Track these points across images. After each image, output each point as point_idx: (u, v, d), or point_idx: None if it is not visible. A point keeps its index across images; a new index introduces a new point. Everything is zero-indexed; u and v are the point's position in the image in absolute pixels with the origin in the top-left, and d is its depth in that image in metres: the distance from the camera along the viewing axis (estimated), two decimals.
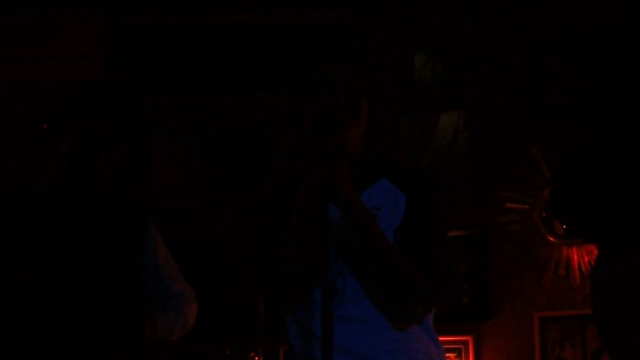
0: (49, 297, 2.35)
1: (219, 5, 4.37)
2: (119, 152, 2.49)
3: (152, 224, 2.63)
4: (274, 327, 3.91)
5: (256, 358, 3.93)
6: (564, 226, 3.79)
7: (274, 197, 2.20)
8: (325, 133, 1.90)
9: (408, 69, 4.29)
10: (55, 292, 2.35)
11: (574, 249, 4.01)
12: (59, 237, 2.43)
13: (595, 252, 2.36)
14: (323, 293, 1.79)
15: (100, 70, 4.22)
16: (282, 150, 4.21)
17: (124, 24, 4.37)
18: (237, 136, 4.29)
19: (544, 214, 4.05)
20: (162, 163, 4.27)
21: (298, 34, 4.34)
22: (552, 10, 4.20)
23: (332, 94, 2.06)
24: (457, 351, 4.00)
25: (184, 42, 4.39)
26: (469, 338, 4.02)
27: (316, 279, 1.89)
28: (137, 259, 2.54)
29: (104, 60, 4.26)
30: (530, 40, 4.21)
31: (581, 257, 3.99)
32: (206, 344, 3.99)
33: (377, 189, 2.11)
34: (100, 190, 2.51)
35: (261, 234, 2.16)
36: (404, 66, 4.28)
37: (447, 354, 3.92)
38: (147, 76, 4.37)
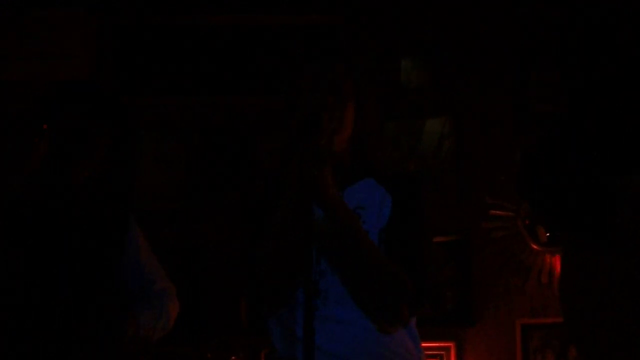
0: (27, 297, 2.33)
1: (206, 6, 4.36)
2: (99, 151, 2.48)
3: (134, 222, 2.62)
4: (256, 330, 3.89)
5: None
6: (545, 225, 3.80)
7: (257, 198, 2.20)
8: (309, 135, 1.90)
9: (394, 73, 4.29)
10: (32, 291, 2.34)
11: (557, 256, 4.02)
12: (36, 236, 2.41)
13: None
14: (305, 294, 1.78)
15: (86, 70, 4.20)
16: (267, 152, 4.20)
17: (110, 24, 4.35)
18: (222, 137, 4.27)
19: (527, 222, 4.06)
20: (147, 164, 4.26)
21: (285, 36, 4.34)
22: (538, 17, 4.21)
23: (317, 96, 2.05)
24: (439, 357, 3.99)
25: (171, 43, 4.37)
26: (451, 344, 4.01)
27: (299, 279, 1.88)
28: (117, 257, 2.52)
29: (90, 60, 4.24)
30: (516, 48, 4.22)
31: None
32: (188, 347, 3.96)
33: (361, 187, 2.10)
34: (78, 189, 2.49)
35: (244, 235, 2.15)
36: (390, 71, 4.28)
37: None
38: (133, 76, 4.35)
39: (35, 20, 4.21)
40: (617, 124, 2.15)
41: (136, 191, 4.19)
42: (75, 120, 2.45)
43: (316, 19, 4.33)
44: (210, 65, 4.35)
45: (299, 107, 2.05)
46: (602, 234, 2.12)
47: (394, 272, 1.95)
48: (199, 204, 4.19)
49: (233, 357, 3.91)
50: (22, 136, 2.95)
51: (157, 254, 2.71)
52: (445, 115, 4.22)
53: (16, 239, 2.40)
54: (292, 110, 2.08)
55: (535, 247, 4.05)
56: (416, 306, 2.02)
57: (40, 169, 2.46)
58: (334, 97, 2.06)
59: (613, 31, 2.31)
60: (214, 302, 4.05)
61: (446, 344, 4.01)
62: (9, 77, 4.24)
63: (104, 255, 2.49)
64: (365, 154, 2.15)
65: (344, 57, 2.17)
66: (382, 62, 4.27)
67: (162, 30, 4.38)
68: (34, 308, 2.34)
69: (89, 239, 2.47)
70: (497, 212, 4.10)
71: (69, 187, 2.48)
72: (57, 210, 2.47)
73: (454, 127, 4.20)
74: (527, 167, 2.29)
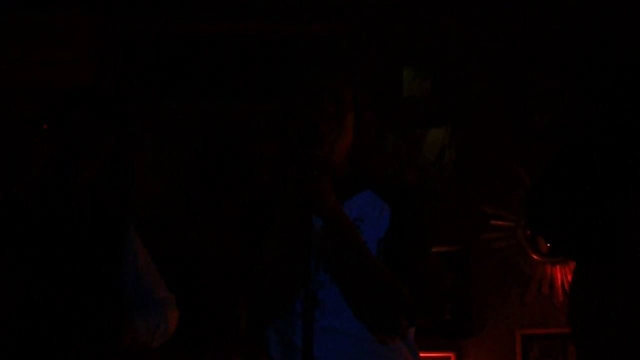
0: (26, 303, 2.33)
1: (207, 14, 4.37)
2: (100, 157, 2.48)
3: (133, 230, 2.61)
4: (255, 338, 3.89)
5: None
6: (544, 240, 3.80)
7: (256, 207, 2.19)
8: (309, 144, 1.89)
9: (396, 83, 4.29)
10: (32, 297, 2.33)
11: (558, 267, 4.01)
12: (36, 242, 2.41)
13: None
14: (304, 304, 1.77)
15: (87, 76, 4.20)
16: (266, 160, 4.20)
17: (113, 30, 4.35)
18: (222, 145, 4.27)
19: (528, 232, 4.05)
20: (147, 171, 4.26)
21: (286, 45, 4.34)
22: (538, 28, 4.22)
23: (317, 104, 2.05)
24: None
25: (172, 50, 4.38)
26: (450, 355, 4.00)
27: (297, 289, 1.88)
28: (115, 265, 2.52)
29: (91, 66, 4.24)
30: (516, 58, 4.23)
31: (564, 275, 3.99)
32: (187, 355, 3.96)
33: (360, 199, 2.10)
34: (79, 195, 2.49)
35: (243, 244, 2.15)
36: (391, 81, 4.28)
37: None
38: (134, 83, 4.35)
39: (37, 27, 4.21)
40: (627, 148, 2.15)
41: (135, 198, 4.19)
42: (79, 126, 2.45)
43: (318, 28, 4.34)
44: (211, 73, 4.36)
45: (299, 116, 2.05)
46: (608, 260, 2.13)
47: (392, 283, 1.94)
48: (199, 211, 4.19)
49: None
50: (23, 141, 2.95)
51: (156, 262, 2.70)
52: (446, 125, 4.22)
53: (15, 242, 2.40)
54: (291, 118, 2.08)
55: (535, 257, 4.04)
56: (414, 317, 2.01)
57: (41, 174, 2.46)
58: (335, 107, 2.06)
59: (617, 46, 2.31)
60: (214, 310, 4.04)
61: (446, 354, 4.00)
62: (10, 84, 4.24)
63: (102, 263, 2.48)
64: (363, 164, 2.15)
65: (345, 66, 2.17)
66: (384, 72, 4.27)
67: (163, 37, 4.39)
68: (31, 312, 2.33)
69: (87, 246, 2.47)
70: (498, 222, 4.10)
71: (69, 193, 2.48)
72: (56, 215, 2.47)
73: (455, 137, 4.20)
74: (535, 197, 2.29)
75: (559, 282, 4.00)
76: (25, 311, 2.33)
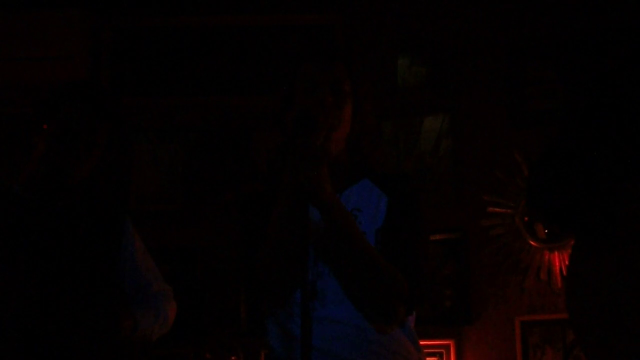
0: (24, 297, 2.33)
1: (202, 7, 4.36)
2: (96, 150, 2.47)
3: (130, 223, 2.62)
4: (255, 330, 3.90)
5: None
6: (542, 219, 3.80)
7: (254, 198, 2.19)
8: (306, 134, 1.89)
9: (392, 72, 4.29)
10: (30, 292, 2.33)
11: (556, 253, 4.02)
12: (34, 237, 2.41)
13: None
14: (303, 294, 1.78)
15: (83, 71, 4.20)
16: (264, 152, 4.20)
17: (107, 25, 4.35)
18: (220, 138, 4.27)
19: (526, 219, 4.06)
20: (144, 164, 4.26)
21: (281, 36, 4.34)
22: (534, 15, 4.22)
23: (315, 95, 2.05)
24: (439, 355, 4.00)
25: (167, 44, 4.38)
26: (450, 342, 4.01)
27: (296, 280, 1.88)
28: (113, 258, 2.52)
29: (87, 61, 4.24)
30: (512, 45, 4.22)
31: (563, 261, 4.00)
32: (187, 347, 3.96)
33: (358, 189, 2.11)
34: (76, 190, 2.49)
35: (242, 236, 2.15)
36: (387, 69, 4.28)
37: (429, 358, 3.91)
38: (130, 77, 4.35)
39: (32, 22, 4.20)
40: (622, 128, 2.15)
41: (133, 192, 4.19)
42: (74, 119, 2.45)
43: (314, 19, 4.34)
44: (207, 66, 4.35)
45: (297, 106, 2.05)
46: (609, 235, 2.13)
47: (390, 272, 1.95)
48: (197, 204, 4.19)
49: (233, 358, 3.91)
50: (20, 136, 2.94)
51: (155, 255, 2.71)
52: (443, 113, 4.22)
53: (13, 238, 2.40)
54: (289, 108, 2.09)
55: (533, 243, 4.05)
56: (412, 305, 2.02)
57: (38, 169, 2.46)
58: (333, 97, 2.06)
59: (614, 34, 2.31)
60: (213, 303, 4.05)
61: (446, 342, 4.01)
62: (5, 79, 4.23)
63: (100, 256, 2.48)
64: (361, 154, 2.15)
65: (342, 56, 2.16)
66: (380, 61, 4.27)
67: (158, 30, 4.39)
68: (30, 308, 2.33)
69: (85, 240, 2.47)
70: (495, 209, 4.10)
71: (68, 187, 2.48)
72: (54, 210, 2.47)
73: (452, 125, 4.21)
74: (535, 175, 2.29)
75: (557, 268, 4.00)
76: (22, 305, 2.33)
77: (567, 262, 3.93)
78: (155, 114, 4.31)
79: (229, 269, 3.95)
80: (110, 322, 2.39)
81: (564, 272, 3.98)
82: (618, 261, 2.10)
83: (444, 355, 4.00)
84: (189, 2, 4.36)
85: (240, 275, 3.88)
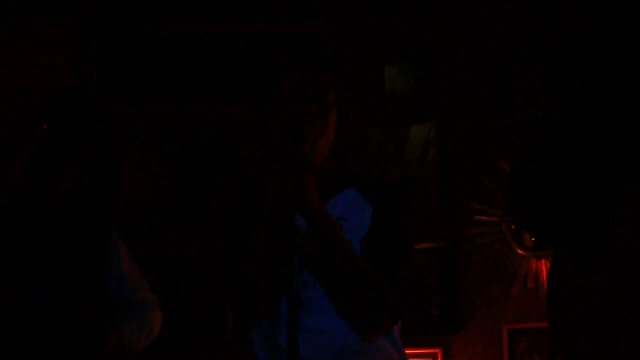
0: (8, 308, 2.32)
1: (191, 16, 4.36)
2: (82, 160, 2.46)
3: (117, 233, 2.61)
4: (242, 340, 3.89)
5: None
6: (527, 230, 3.81)
7: (241, 207, 2.19)
8: (292, 143, 1.89)
9: (379, 80, 4.29)
10: (14, 302, 2.32)
11: (543, 261, 4.02)
12: (18, 247, 2.40)
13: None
14: (288, 304, 1.77)
15: (72, 80, 4.19)
16: (252, 161, 4.20)
17: (96, 34, 4.34)
18: (208, 147, 4.27)
19: (513, 227, 4.07)
20: (132, 174, 4.24)
21: (269, 45, 4.34)
22: (522, 23, 4.23)
23: (301, 104, 2.05)
24: None
25: (156, 52, 4.37)
26: (438, 351, 4.01)
27: (282, 290, 1.88)
28: (99, 268, 2.51)
29: (76, 70, 4.23)
30: (500, 54, 4.24)
31: None
32: (173, 357, 3.95)
33: (343, 198, 2.11)
34: (61, 200, 2.48)
35: (228, 245, 2.15)
36: (375, 78, 4.29)
37: None
38: (119, 86, 4.34)
39: (21, 31, 4.19)
40: (605, 133, 2.15)
41: (120, 202, 4.18)
42: (60, 129, 2.44)
43: (301, 28, 4.34)
44: (196, 75, 4.35)
45: (282, 116, 2.05)
46: (589, 246, 2.13)
47: (376, 282, 1.95)
48: (185, 213, 4.18)
49: None
50: (6, 146, 2.93)
51: (142, 265, 2.70)
52: (430, 122, 4.23)
53: None
54: (275, 118, 2.08)
55: (521, 252, 4.06)
56: (398, 315, 2.02)
57: (23, 179, 2.45)
58: (318, 106, 2.06)
59: (602, 38, 2.32)
60: (200, 313, 4.04)
61: (433, 351, 4.01)
62: None
63: (86, 267, 2.47)
64: (347, 163, 2.15)
65: (329, 65, 2.16)
66: (367, 69, 4.27)
67: (147, 39, 4.38)
68: (14, 318, 2.32)
69: (70, 249, 2.46)
70: (483, 218, 4.11)
71: (53, 197, 2.47)
72: (39, 220, 2.46)
73: (439, 133, 4.21)
74: (515, 181, 2.29)
75: (545, 276, 4.01)
76: (6, 317, 2.32)
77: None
78: (143, 123, 4.30)
79: (216, 278, 3.94)
80: (94, 333, 2.38)
81: None
82: (599, 270, 2.10)
83: None
84: (178, 11, 4.35)
85: (227, 285, 3.87)
